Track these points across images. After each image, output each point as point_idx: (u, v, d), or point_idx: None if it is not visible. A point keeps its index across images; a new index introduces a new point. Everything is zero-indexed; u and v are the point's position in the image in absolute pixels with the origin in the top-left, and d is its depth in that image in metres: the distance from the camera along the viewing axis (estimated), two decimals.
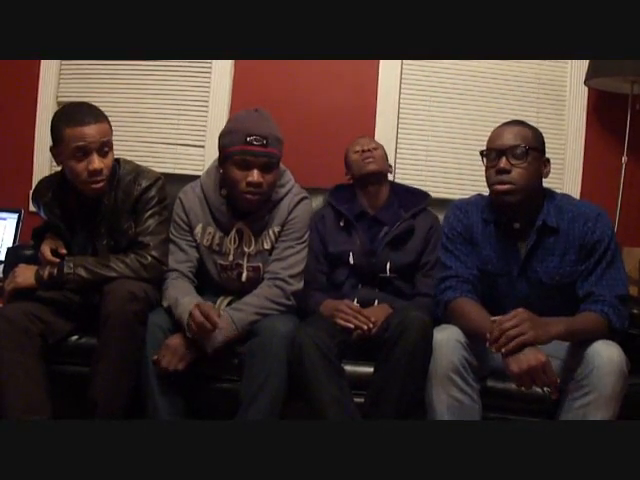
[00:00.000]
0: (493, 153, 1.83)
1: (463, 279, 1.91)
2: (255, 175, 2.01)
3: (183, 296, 2.00)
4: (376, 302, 2.18)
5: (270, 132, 2.04)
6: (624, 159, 2.76)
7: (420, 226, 2.30)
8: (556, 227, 1.85)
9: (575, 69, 2.98)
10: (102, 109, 2.04)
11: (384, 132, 3.01)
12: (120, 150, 2.63)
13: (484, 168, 1.91)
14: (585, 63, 2.85)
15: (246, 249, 2.13)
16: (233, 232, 2.13)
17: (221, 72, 3.07)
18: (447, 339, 1.75)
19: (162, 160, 3.12)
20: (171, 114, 3.13)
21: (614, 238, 1.83)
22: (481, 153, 1.89)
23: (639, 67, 2.59)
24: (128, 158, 2.23)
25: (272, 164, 2.05)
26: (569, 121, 2.98)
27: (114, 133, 2.10)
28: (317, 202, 2.53)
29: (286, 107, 2.97)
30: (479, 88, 3.04)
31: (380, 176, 2.34)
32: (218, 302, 2.11)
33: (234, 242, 2.13)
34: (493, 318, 1.70)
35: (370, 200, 2.35)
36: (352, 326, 2.00)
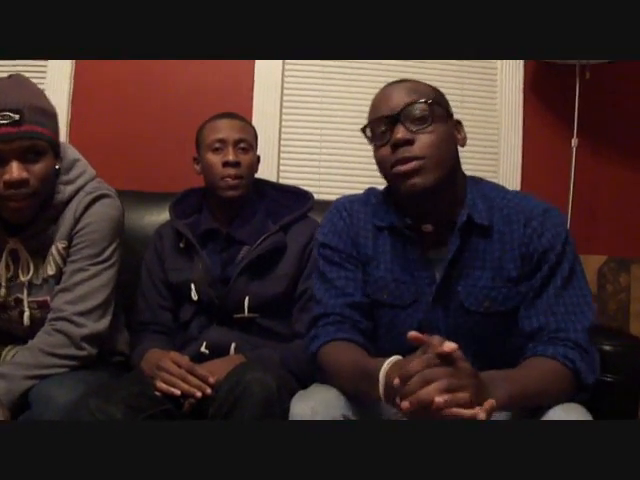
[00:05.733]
0: (381, 124, 1.31)
1: (338, 317, 1.34)
2: (14, 170, 1.39)
3: None
4: (232, 348, 1.60)
5: (26, 102, 1.40)
6: (574, 142, 2.37)
7: (294, 241, 1.69)
8: (487, 225, 1.32)
9: None
10: None
11: (263, 115, 2.41)
12: None
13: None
14: None
15: (22, 277, 1.53)
16: (5, 254, 1.53)
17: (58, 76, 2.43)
18: (311, 413, 1.15)
19: None
20: None
21: (570, 242, 1.31)
22: (363, 131, 1.35)
23: None
24: None
25: (37, 149, 1.43)
26: (502, 98, 2.54)
27: None
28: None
29: (141, 101, 2.46)
30: (390, 61, 2.48)
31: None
32: (3, 355, 1.56)
33: (8, 269, 1.53)
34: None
35: (224, 211, 1.74)
36: (178, 392, 1.41)
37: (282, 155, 2.45)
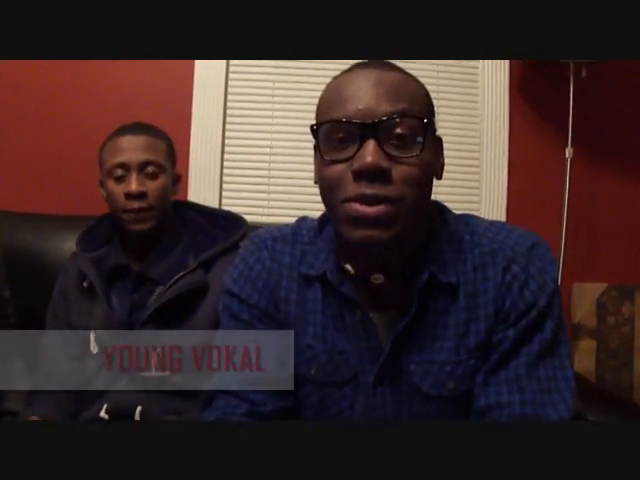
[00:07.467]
0: (343, 129, 0.90)
1: (231, 398, 1.06)
2: None
3: None
4: (137, 413, 1.38)
5: None
6: (568, 152, 2.21)
7: (218, 280, 1.43)
8: (454, 282, 0.98)
9: None
10: None
11: (203, 141, 2.20)
12: None
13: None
14: None
15: None
16: None
17: None
18: None
19: None
20: None
21: (558, 292, 0.99)
22: (313, 130, 0.93)
23: None
24: None
25: None
26: (485, 102, 2.37)
27: None
28: None
29: (75, 114, 2.27)
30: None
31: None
32: None
33: None
34: None
35: (135, 244, 1.50)
36: None
37: (225, 171, 2.25)
